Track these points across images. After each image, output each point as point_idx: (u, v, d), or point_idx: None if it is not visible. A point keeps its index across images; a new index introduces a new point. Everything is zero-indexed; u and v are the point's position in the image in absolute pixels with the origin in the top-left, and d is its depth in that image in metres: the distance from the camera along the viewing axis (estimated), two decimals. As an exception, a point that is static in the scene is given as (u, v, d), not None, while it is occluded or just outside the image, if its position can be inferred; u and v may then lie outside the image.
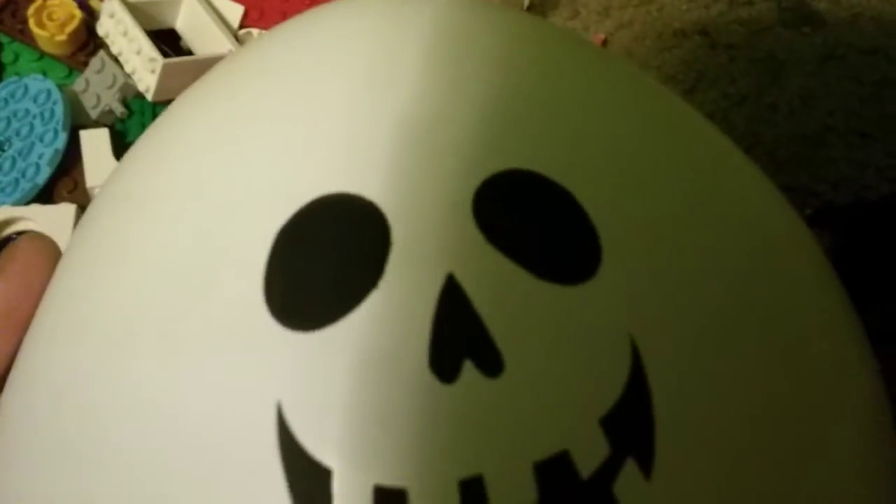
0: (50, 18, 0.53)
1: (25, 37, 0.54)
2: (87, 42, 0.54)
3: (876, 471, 0.22)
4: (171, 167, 0.22)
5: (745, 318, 0.20)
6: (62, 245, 0.25)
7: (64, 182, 0.50)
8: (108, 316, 0.20)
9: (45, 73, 0.53)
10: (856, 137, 0.49)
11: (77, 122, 0.51)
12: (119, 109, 0.51)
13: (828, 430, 0.21)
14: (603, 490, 0.17)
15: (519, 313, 0.18)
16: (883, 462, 0.22)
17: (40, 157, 0.49)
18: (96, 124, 0.51)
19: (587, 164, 0.20)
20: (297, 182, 0.20)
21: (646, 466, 0.18)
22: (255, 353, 0.18)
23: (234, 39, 0.53)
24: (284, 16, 0.55)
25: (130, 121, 0.52)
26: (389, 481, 0.17)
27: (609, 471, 0.18)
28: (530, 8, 0.54)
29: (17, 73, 0.54)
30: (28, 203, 0.49)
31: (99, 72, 0.51)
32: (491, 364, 0.18)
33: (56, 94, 0.51)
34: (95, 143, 0.50)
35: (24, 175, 0.49)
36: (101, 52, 0.52)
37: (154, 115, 0.52)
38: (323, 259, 0.19)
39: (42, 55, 0.54)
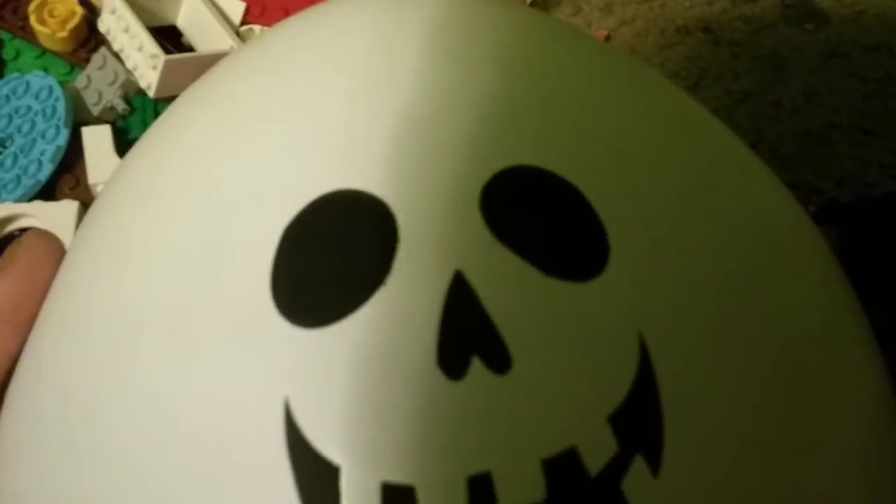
0: (51, 15, 0.53)
1: (27, 33, 0.54)
2: (89, 38, 0.54)
3: (883, 468, 0.22)
4: (175, 165, 0.22)
5: (752, 314, 0.20)
6: (65, 241, 0.25)
7: (66, 179, 0.50)
8: (114, 314, 0.20)
9: (46, 70, 0.53)
10: (859, 134, 0.49)
11: (79, 118, 0.51)
12: (121, 106, 0.51)
13: (836, 427, 0.21)
14: (611, 487, 0.17)
15: (527, 310, 0.18)
16: (890, 459, 0.22)
17: (42, 153, 0.49)
18: (98, 121, 0.51)
19: (594, 159, 0.20)
20: (303, 178, 0.19)
21: (654, 464, 0.18)
22: (263, 351, 0.18)
23: (235, 36, 0.53)
24: (286, 12, 0.55)
25: (132, 117, 0.52)
26: (397, 478, 0.17)
27: (617, 468, 0.18)
28: (532, 5, 0.54)
29: (18, 70, 0.53)
30: (30, 200, 0.48)
31: (100, 68, 0.51)
32: (499, 361, 0.17)
33: (58, 91, 0.51)
34: (97, 139, 0.50)
35: (25, 172, 0.49)
36: (103, 49, 0.52)
37: (156, 112, 0.52)
38: (330, 256, 0.19)
39: (43, 52, 0.54)
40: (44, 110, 0.50)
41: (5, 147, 0.51)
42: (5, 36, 0.55)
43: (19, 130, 0.51)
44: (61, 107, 0.50)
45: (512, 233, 0.19)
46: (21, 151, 0.50)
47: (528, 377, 0.18)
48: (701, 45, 0.52)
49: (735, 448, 0.19)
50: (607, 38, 0.53)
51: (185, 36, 0.55)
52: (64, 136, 0.50)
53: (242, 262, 0.19)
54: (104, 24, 0.53)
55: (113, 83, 0.51)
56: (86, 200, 0.48)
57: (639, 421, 0.18)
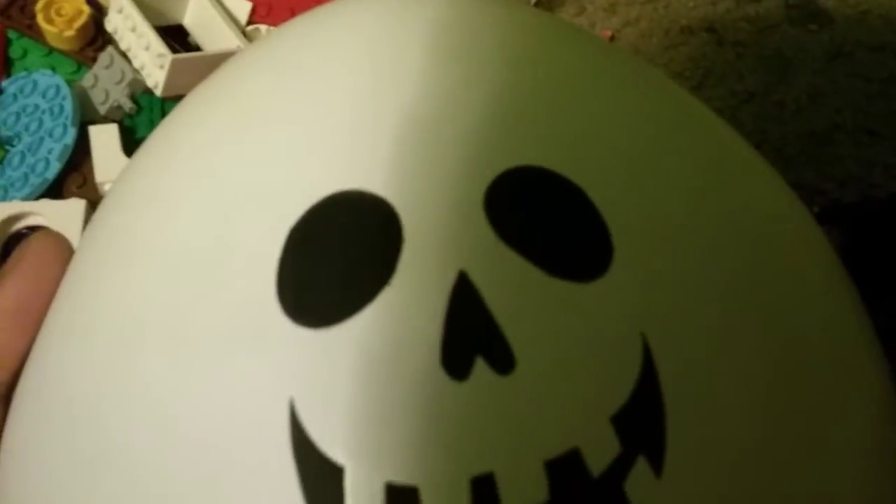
0: (58, 14, 0.53)
1: (34, 32, 0.54)
2: (96, 38, 0.54)
3: (885, 468, 0.22)
4: (180, 165, 0.22)
5: (755, 314, 0.20)
6: (72, 239, 0.25)
7: (73, 177, 0.50)
8: (119, 315, 0.20)
9: (53, 69, 0.53)
10: (863, 135, 0.49)
11: (86, 117, 0.51)
12: (128, 105, 0.51)
13: (837, 427, 0.21)
14: (614, 488, 0.18)
15: (530, 310, 0.18)
16: (891, 459, 0.22)
17: (49, 152, 0.50)
18: (105, 120, 0.51)
19: (597, 160, 0.20)
20: (308, 179, 0.20)
21: (657, 464, 0.18)
22: (268, 351, 0.18)
23: (241, 35, 0.53)
24: (292, 12, 0.55)
25: (139, 116, 0.52)
26: (401, 479, 0.17)
27: (620, 469, 0.18)
28: (537, 5, 0.54)
29: (25, 69, 0.54)
30: (38, 198, 0.49)
31: (107, 67, 0.52)
32: (502, 361, 0.18)
33: (65, 90, 0.51)
34: (105, 138, 0.50)
35: (33, 170, 0.49)
36: (110, 48, 0.52)
37: (163, 111, 0.52)
38: (335, 256, 0.19)
39: (51, 51, 0.54)
40: (51, 109, 0.51)
41: (13, 145, 0.51)
42: (13, 35, 0.55)
43: (27, 129, 0.51)
44: (68, 105, 0.50)
45: (516, 233, 0.19)
46: (28, 150, 0.50)
47: (531, 378, 0.18)
48: (705, 45, 0.52)
49: (737, 448, 0.19)
50: (611, 38, 0.53)
51: (192, 35, 0.55)
52: (71, 135, 0.50)
53: (248, 263, 0.19)
54: (111, 23, 0.53)
55: (120, 82, 0.51)
56: (93, 199, 0.48)
57: (641, 421, 0.18)
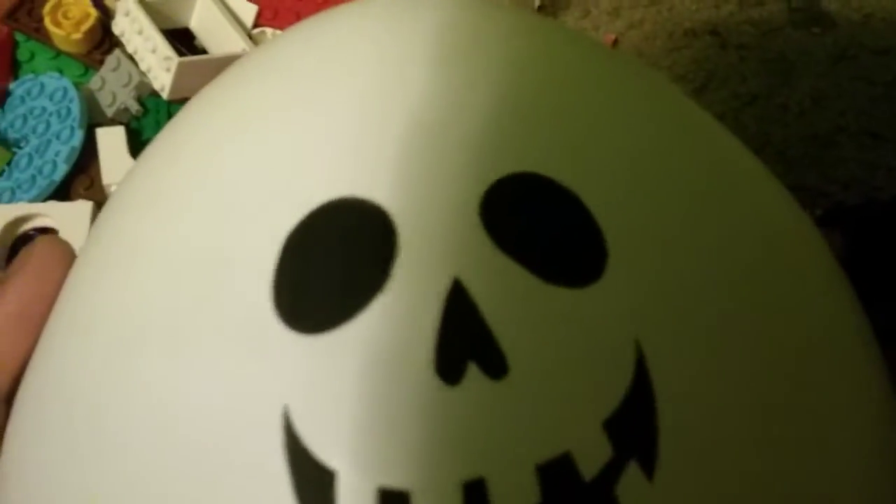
0: (66, 17, 0.54)
1: (41, 35, 0.54)
2: (103, 40, 0.55)
3: (883, 471, 0.22)
4: (182, 168, 0.22)
5: (751, 322, 0.20)
6: (79, 241, 0.25)
7: (80, 179, 0.50)
8: (118, 317, 0.20)
9: (60, 72, 0.54)
10: (867, 138, 0.49)
11: (93, 119, 0.51)
12: (134, 107, 0.52)
13: (834, 434, 0.21)
14: (605, 492, 0.18)
15: (524, 316, 0.18)
16: (890, 461, 0.22)
17: (57, 154, 0.50)
18: (112, 122, 0.52)
19: (595, 166, 0.21)
20: (306, 186, 0.20)
21: (648, 469, 0.18)
22: (263, 355, 0.18)
23: (247, 39, 0.53)
24: (298, 15, 0.55)
25: (146, 119, 0.52)
26: (393, 483, 0.17)
27: (612, 473, 0.18)
28: (541, 8, 0.54)
29: (33, 72, 0.54)
30: (45, 200, 0.49)
31: (114, 70, 0.52)
32: (495, 366, 0.18)
33: (72, 92, 0.51)
34: (112, 140, 0.50)
35: (40, 172, 0.50)
36: (117, 51, 0.53)
37: (169, 114, 0.52)
38: (331, 262, 0.19)
39: (58, 53, 0.55)
40: (58, 111, 0.51)
41: (20, 148, 0.51)
42: (20, 37, 0.55)
43: (34, 131, 0.51)
44: (76, 108, 0.51)
45: (511, 240, 0.19)
46: (36, 152, 0.50)
47: (524, 383, 0.18)
48: (708, 48, 0.52)
49: (732, 453, 0.19)
50: (615, 41, 0.53)
51: (198, 38, 0.55)
52: (78, 137, 0.50)
53: (245, 268, 0.19)
54: (118, 26, 0.53)
55: (127, 85, 0.52)
56: (100, 200, 0.48)
57: (634, 427, 0.18)
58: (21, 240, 0.48)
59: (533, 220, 0.19)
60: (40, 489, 0.21)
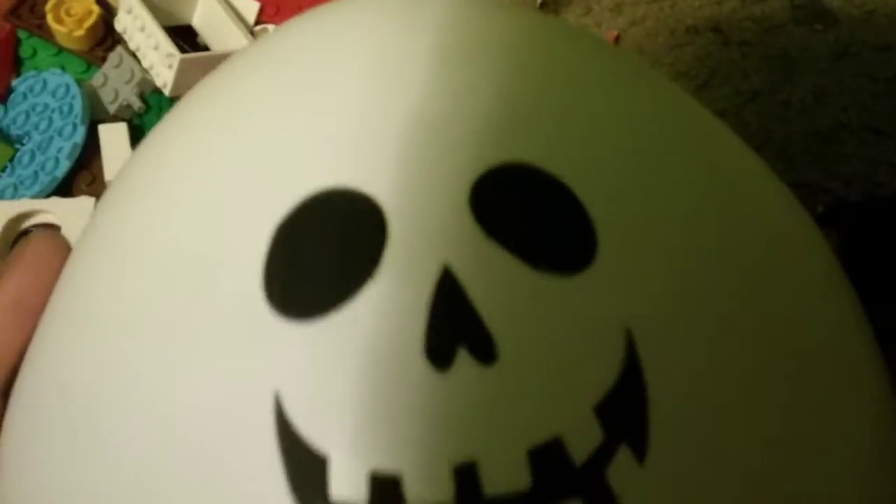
0: (68, 14, 0.54)
1: (44, 32, 0.55)
2: (105, 37, 0.55)
3: (883, 474, 0.22)
4: (175, 161, 0.22)
5: (747, 312, 0.20)
6: (81, 238, 0.25)
7: (83, 175, 0.51)
8: (111, 310, 0.21)
9: (63, 68, 0.54)
10: (869, 134, 0.49)
11: (95, 116, 0.51)
12: (137, 104, 0.52)
13: (834, 434, 0.21)
14: (596, 476, 0.18)
15: (514, 302, 0.18)
16: (890, 460, 0.22)
17: (59, 150, 0.50)
18: (114, 119, 0.52)
19: (589, 159, 0.21)
20: (298, 176, 0.20)
21: (639, 452, 0.18)
22: (255, 343, 0.18)
23: (250, 35, 0.54)
24: (300, 12, 0.55)
25: (148, 115, 0.52)
26: (384, 467, 0.17)
27: (602, 457, 0.18)
28: (543, 5, 0.54)
29: (35, 68, 0.54)
30: (47, 196, 0.49)
31: (117, 67, 0.52)
32: (485, 351, 0.18)
33: (74, 89, 0.51)
34: (114, 137, 0.51)
35: (43, 168, 0.50)
36: (119, 48, 0.53)
37: (171, 110, 0.52)
38: (321, 251, 0.19)
39: (60, 50, 0.55)
40: (61, 108, 0.51)
41: (22, 144, 0.51)
42: (23, 34, 0.55)
43: (36, 128, 0.51)
44: (78, 104, 0.51)
45: (500, 227, 0.19)
46: (38, 148, 0.51)
47: (514, 368, 0.18)
48: (710, 44, 0.52)
49: (721, 438, 0.19)
50: (617, 38, 0.53)
51: (201, 35, 0.55)
52: (81, 134, 0.50)
53: (236, 258, 0.19)
54: (121, 23, 0.53)
55: (129, 81, 0.52)
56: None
57: (624, 411, 0.18)
58: (23, 236, 0.48)
59: (522, 208, 0.20)
60: (37, 479, 0.21)
